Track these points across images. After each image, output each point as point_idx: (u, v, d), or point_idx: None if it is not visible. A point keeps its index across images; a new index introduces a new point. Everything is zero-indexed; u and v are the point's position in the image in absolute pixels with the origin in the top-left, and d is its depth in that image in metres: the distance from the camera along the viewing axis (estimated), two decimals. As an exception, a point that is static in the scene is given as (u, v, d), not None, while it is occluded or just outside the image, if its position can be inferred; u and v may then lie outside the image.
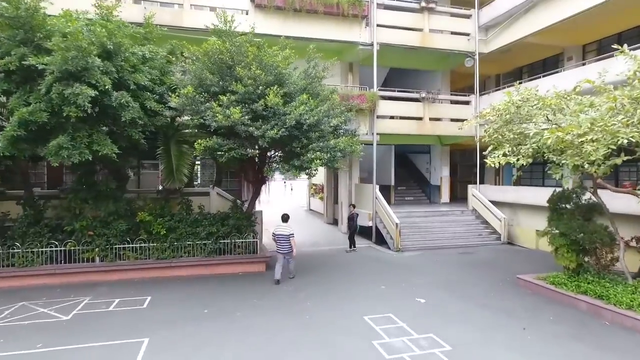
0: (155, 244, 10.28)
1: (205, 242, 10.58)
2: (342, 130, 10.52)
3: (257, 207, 12.85)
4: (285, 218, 10.20)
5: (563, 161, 7.57)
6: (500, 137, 8.80)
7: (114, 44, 8.32)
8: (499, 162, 7.72)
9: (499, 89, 17.33)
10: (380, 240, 15.11)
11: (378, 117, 15.75)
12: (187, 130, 10.28)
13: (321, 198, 22.52)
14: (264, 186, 11.81)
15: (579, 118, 6.94)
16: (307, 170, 9.30)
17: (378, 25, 15.49)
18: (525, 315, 7.61)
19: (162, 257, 10.30)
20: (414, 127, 16.34)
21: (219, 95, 8.34)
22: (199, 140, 8.30)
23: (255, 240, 11.11)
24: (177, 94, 8.53)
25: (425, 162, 20.82)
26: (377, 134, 15.62)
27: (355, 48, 15.71)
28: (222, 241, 10.74)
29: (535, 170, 17.79)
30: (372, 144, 15.60)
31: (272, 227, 10.83)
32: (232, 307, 7.99)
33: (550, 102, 7.76)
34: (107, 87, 7.80)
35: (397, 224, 13.91)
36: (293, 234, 9.88)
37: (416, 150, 20.76)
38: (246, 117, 8.27)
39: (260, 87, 8.48)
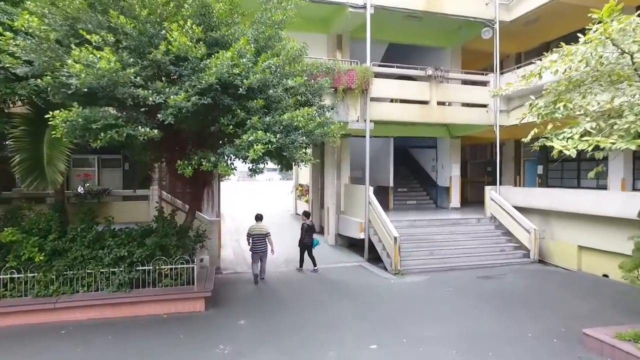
0: (35, 275, 6.92)
1: (114, 270, 7.22)
2: (315, 106, 7.08)
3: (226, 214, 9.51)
4: (259, 217, 9.85)
5: None
6: (567, 108, 5.33)
7: None
8: (574, 148, 4.32)
9: (530, 63, 13.87)
10: (375, 258, 11.73)
11: (372, 99, 12.36)
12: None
13: (307, 201, 19.15)
14: (210, 189, 8.45)
15: None
16: (255, 165, 5.92)
17: (372, -17, 12.11)
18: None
19: (45, 293, 6.93)
20: (417, 113, 12.93)
21: (92, 35, 4.94)
22: (55, 113, 4.92)
23: (191, 266, 7.73)
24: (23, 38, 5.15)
25: (430, 159, 17.38)
26: (371, 121, 12.23)
27: (344, 12, 12.32)
28: (140, 268, 7.38)
29: (568, 168, 14.38)
30: (364, 135, 12.21)
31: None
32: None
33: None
34: None
35: (395, 237, 10.51)
36: (269, 233, 9.65)
37: (420, 144, 17.31)
38: (136, 72, 4.91)
39: (166, 26, 5.10)
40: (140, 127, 5.00)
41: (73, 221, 7.60)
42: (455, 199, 15.94)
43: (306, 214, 11.30)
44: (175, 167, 5.68)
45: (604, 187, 12.66)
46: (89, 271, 7.13)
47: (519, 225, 12.15)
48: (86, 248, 7.13)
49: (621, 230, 9.68)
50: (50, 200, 9.33)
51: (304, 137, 5.89)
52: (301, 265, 10.94)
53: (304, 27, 13.25)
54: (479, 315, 7.41)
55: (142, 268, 7.38)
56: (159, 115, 5.08)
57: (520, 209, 12.49)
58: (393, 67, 12.93)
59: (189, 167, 5.44)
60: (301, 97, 6.47)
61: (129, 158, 11.47)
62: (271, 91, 5.61)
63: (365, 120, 12.18)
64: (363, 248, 12.21)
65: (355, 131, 12.86)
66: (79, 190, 10.02)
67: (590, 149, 4.19)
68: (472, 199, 18.74)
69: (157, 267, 7.46)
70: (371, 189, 12.22)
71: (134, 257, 7.22)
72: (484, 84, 13.73)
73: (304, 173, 21.05)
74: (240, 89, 5.35)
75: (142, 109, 5.36)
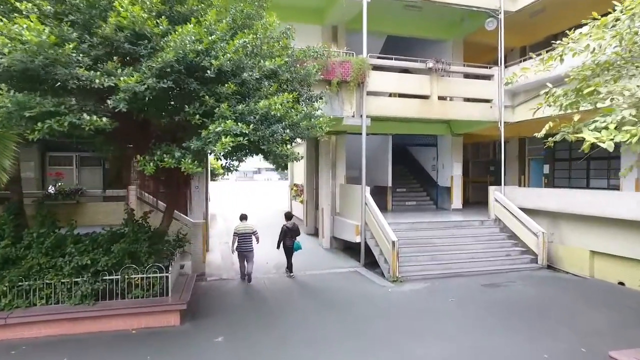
0: (-16, 286, 6.11)
1: (77, 280, 6.41)
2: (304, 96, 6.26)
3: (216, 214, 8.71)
4: (244, 217, 9.90)
5: None
6: (596, 95, 4.49)
7: None
8: (610, 140, 3.52)
9: (538, 55, 13.12)
10: (372, 262, 10.94)
11: (369, 93, 11.56)
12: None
13: (302, 202, 18.34)
14: (189, 189, 7.64)
15: None
16: (228, 162, 5.11)
17: (369, -31, 11.31)
18: None
19: (-4, 307, 6.13)
20: (417, 109, 12.12)
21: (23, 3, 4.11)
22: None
23: (165, 275, 6.92)
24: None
25: (431, 158, 16.59)
26: (368, 116, 11.43)
27: (339, 0, 11.54)
28: (107, 278, 6.57)
29: (576, 167, 13.61)
30: (361, 133, 11.40)
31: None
32: None
33: None
34: None
35: (393, 242, 9.71)
36: (256, 231, 9.69)
37: (419, 142, 16.52)
38: (84, 50, 4.09)
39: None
40: (86, 115, 4.18)
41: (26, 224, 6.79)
42: (456, 200, 15.15)
43: (287, 216, 10.57)
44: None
45: (616, 188, 11.90)
46: (47, 281, 6.32)
47: (525, 228, 11.36)
48: (44, 255, 6.31)
49: (637, 234, 8.93)
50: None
51: (287, 130, 5.09)
52: (290, 270, 10.24)
53: (297, 17, 12.50)
54: (486, 331, 6.61)
55: (109, 278, 6.58)
56: (109, 102, 4.26)
57: (527, 211, 11.70)
58: (391, 59, 12.13)
59: (151, 164, 4.64)
60: (286, 85, 5.66)
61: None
62: (246, 74, 4.79)
63: (361, 116, 11.37)
64: (359, 252, 11.42)
65: (351, 128, 12.07)
66: (50, 191, 9.20)
67: (634, 140, 3.39)
68: (474, 200, 17.96)
69: (126, 277, 6.65)
70: (368, 189, 11.44)
71: (99, 265, 6.41)
72: (487, 78, 12.94)
73: (298, 172, 20.23)
74: (209, 71, 4.54)
75: (96, 96, 4.53)
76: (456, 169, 15.18)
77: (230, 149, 4.34)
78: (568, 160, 13.90)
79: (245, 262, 9.51)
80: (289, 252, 10.11)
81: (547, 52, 5.05)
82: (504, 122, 12.62)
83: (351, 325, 6.88)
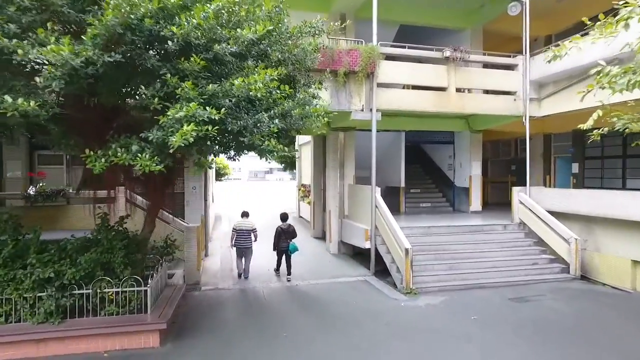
0: None
1: (42, 294, 5.57)
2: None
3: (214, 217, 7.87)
4: (245, 214, 9.99)
5: None
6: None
7: None
8: None
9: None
10: (384, 270, 9.92)
11: (379, 85, 10.54)
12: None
13: (310, 203, 17.38)
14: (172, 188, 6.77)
15: None
16: (198, 158, 4.17)
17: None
18: None
19: (-55, 327, 5.33)
20: (433, 102, 11.03)
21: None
22: None
23: (143, 289, 6.04)
24: None
25: (447, 156, 15.43)
26: (378, 110, 10.41)
27: (346, -16, 10.57)
28: (76, 292, 5.73)
29: (609, 166, 12.33)
30: (370, 129, 10.38)
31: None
32: None
33: None
34: None
35: (407, 249, 8.68)
36: (255, 229, 9.70)
37: (435, 140, 15.34)
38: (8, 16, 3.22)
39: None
40: (8, 97, 3.28)
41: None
42: (475, 202, 13.99)
43: (283, 217, 10.15)
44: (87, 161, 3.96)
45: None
46: (7, 297, 5.51)
47: (554, 234, 10.18)
48: (1, 267, 5.50)
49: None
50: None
51: (276, 120, 4.13)
52: (288, 273, 9.72)
53: (301, 4, 11.54)
54: (519, 360, 5.54)
55: (79, 292, 5.73)
56: (37, 79, 3.36)
57: (555, 214, 10.52)
58: (404, 47, 11.07)
59: (103, 160, 3.75)
60: (276, 64, 4.68)
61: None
62: (218, 46, 3.82)
63: (370, 110, 10.36)
64: (369, 257, 10.41)
65: (361, 123, 11.07)
66: (30, 192, 8.46)
67: None
68: (493, 202, 16.73)
69: (98, 291, 5.80)
70: (378, 190, 10.42)
71: (65, 278, 5.56)
72: (510, 68, 11.75)
73: (306, 172, 19.29)
74: (171, 42, 3.62)
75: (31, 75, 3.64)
76: (475, 168, 14.02)
77: (192, 140, 3.40)
78: (600, 159, 12.61)
79: (243, 259, 9.55)
80: (281, 254, 9.80)
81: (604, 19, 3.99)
82: (530, 117, 11.43)
83: (356, 350, 5.89)
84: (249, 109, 4.22)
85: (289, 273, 9.65)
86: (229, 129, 3.87)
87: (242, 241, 9.46)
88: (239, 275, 9.62)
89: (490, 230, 11.24)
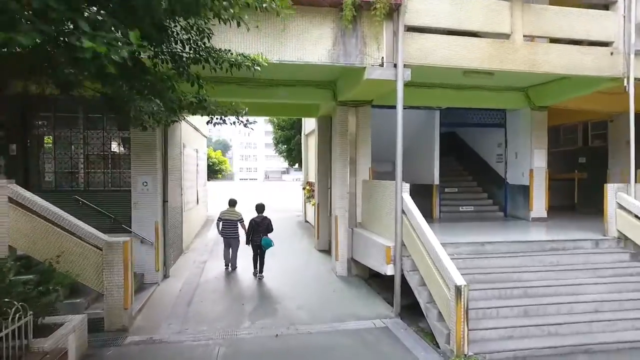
0: None
1: None
2: None
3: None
4: (232, 202, 9.48)
5: None
6: None
7: None
8: None
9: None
10: (412, 304, 6.37)
11: (408, 29, 6.98)
12: None
13: (314, 205, 13.88)
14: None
15: None
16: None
17: None
18: None
19: None
20: (488, 54, 7.32)
21: None
22: None
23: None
24: None
25: (495, 144, 11.66)
26: (407, 65, 6.82)
27: None
28: None
29: None
30: (391, 106, 6.81)
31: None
32: None
33: None
34: None
35: (458, 287, 5.09)
36: (242, 219, 9.31)
37: (477, 122, 11.54)
38: None
39: None
40: None
41: None
42: (538, 205, 10.19)
43: (258, 208, 9.29)
44: None
45: None
46: None
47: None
48: None
49: None
50: None
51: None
52: (260, 271, 8.95)
53: None
54: None
55: None
56: None
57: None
58: (445, -27, 7.42)
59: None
60: None
61: None
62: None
63: (395, 65, 6.78)
64: (388, 289, 6.89)
65: (378, 92, 7.57)
66: None
67: None
68: (555, 205, 12.82)
69: None
70: (407, 187, 6.85)
71: None
72: (604, 7, 7.95)
73: (313, 167, 15.76)
74: None
75: None
76: (538, 159, 10.21)
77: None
78: None
79: (230, 249, 9.37)
80: (255, 249, 8.98)
81: None
82: (636, 79, 7.63)
83: None
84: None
85: (260, 271, 8.93)
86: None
87: (229, 230, 9.25)
88: (226, 267, 9.40)
89: (574, 248, 7.49)
